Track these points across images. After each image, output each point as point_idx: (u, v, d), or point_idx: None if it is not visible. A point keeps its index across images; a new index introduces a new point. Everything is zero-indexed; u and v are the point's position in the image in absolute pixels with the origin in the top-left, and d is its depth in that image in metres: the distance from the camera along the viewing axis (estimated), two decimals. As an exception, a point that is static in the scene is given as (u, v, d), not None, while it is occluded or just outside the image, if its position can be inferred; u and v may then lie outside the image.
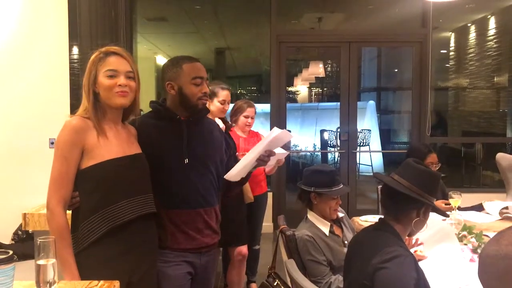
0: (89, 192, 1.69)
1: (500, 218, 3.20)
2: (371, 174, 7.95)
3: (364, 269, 1.68)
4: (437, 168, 3.28)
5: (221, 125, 3.06)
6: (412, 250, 2.10)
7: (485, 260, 0.93)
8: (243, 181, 2.14)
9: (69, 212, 1.73)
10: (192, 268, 2.00)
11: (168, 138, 1.98)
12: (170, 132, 1.99)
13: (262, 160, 2.01)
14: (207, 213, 2.01)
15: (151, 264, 1.84)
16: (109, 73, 1.75)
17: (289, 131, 2.12)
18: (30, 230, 2.72)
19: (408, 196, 1.74)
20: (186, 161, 1.96)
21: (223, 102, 3.17)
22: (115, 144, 1.74)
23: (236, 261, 3.31)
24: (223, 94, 3.18)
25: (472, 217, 3.17)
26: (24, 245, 3.57)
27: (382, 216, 1.86)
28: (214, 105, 3.15)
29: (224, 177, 2.03)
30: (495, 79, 7.56)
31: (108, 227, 1.67)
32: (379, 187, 2.50)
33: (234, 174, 2.01)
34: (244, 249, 3.30)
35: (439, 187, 3.44)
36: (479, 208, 3.35)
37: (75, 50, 4.54)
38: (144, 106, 2.23)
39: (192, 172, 1.97)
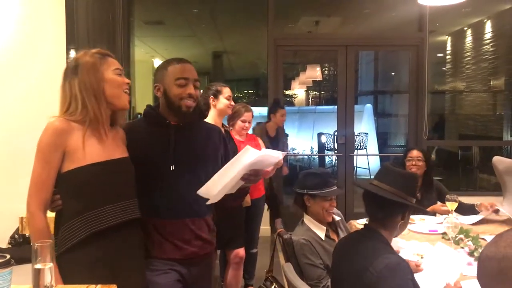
0: (70, 196, 1.67)
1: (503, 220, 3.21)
2: (369, 177, 7.97)
3: (360, 279, 1.68)
4: (420, 164, 3.37)
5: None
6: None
7: (484, 262, 0.94)
8: (240, 194, 1.99)
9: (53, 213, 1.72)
10: (181, 277, 1.91)
11: (155, 143, 1.90)
12: (159, 137, 1.90)
13: (248, 179, 1.82)
14: (195, 224, 1.91)
15: (136, 271, 1.78)
16: (118, 71, 1.76)
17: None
18: (27, 234, 2.71)
19: (394, 201, 1.77)
20: (172, 168, 1.86)
21: (228, 98, 3.18)
22: (99, 148, 1.70)
23: (234, 264, 3.31)
24: (227, 90, 3.20)
25: (471, 220, 3.18)
26: (20, 249, 3.56)
27: (366, 222, 1.89)
28: (221, 102, 3.15)
29: (198, 192, 1.78)
30: (491, 83, 7.59)
31: (88, 232, 1.63)
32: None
33: (211, 193, 1.78)
34: (241, 251, 3.30)
35: (440, 188, 3.50)
36: (472, 209, 3.35)
37: (73, 53, 4.54)
38: (142, 110, 2.22)
39: (178, 180, 1.87)
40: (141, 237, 1.82)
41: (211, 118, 3.07)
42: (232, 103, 3.21)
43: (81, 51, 1.79)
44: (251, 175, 1.80)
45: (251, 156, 1.72)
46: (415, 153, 3.41)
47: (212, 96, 3.13)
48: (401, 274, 1.65)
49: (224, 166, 1.76)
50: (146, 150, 1.88)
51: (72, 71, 1.74)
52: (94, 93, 1.70)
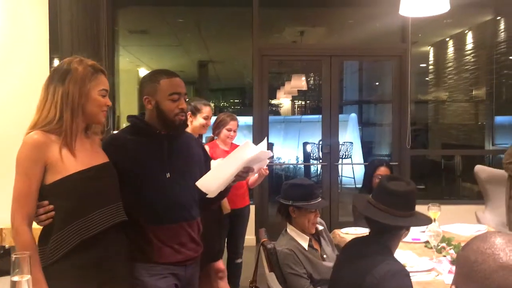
0: (59, 206, 1.67)
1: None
2: (353, 186, 8.01)
3: (361, 281, 1.71)
4: None
5: None
6: None
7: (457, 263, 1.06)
8: (223, 194, 2.11)
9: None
10: (177, 281, 1.99)
11: (149, 154, 1.95)
12: (151, 147, 1.96)
13: (240, 176, 1.99)
14: (191, 226, 2.00)
15: (124, 274, 1.81)
16: (103, 92, 1.78)
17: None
18: (7, 246, 2.67)
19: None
20: (168, 175, 1.95)
21: (206, 118, 3.21)
22: (80, 156, 1.72)
23: (221, 273, 3.26)
24: (206, 110, 3.23)
25: (453, 228, 3.22)
26: (2, 261, 3.49)
27: (368, 233, 1.92)
28: (197, 121, 3.19)
29: (196, 184, 1.94)
30: (473, 93, 7.72)
31: (78, 240, 1.65)
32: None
33: (210, 187, 1.95)
34: (222, 263, 3.28)
35: None
36: None
37: (56, 62, 4.51)
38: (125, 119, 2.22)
39: (174, 186, 1.96)
40: (126, 241, 1.83)
41: None
42: (209, 123, 3.24)
43: (78, 57, 1.79)
44: (244, 172, 1.96)
45: (252, 150, 1.89)
46: (385, 170, 3.35)
47: (190, 113, 3.14)
48: (402, 280, 1.69)
49: (225, 159, 1.95)
50: (140, 161, 1.93)
51: (61, 76, 1.73)
52: (73, 106, 1.71)
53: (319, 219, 2.54)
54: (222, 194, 2.11)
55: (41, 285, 1.60)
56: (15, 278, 1.29)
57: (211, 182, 1.94)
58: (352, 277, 1.77)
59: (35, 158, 1.64)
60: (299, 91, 9.46)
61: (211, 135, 3.68)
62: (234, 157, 1.94)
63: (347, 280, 1.80)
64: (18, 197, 1.65)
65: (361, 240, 1.95)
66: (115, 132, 2.09)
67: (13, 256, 1.31)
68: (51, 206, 1.67)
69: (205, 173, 2.08)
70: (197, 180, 2.00)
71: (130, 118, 2.03)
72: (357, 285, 1.71)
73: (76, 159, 1.70)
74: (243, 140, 5.70)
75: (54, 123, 1.69)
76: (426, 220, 1.93)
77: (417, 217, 1.85)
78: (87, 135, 1.83)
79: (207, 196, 1.99)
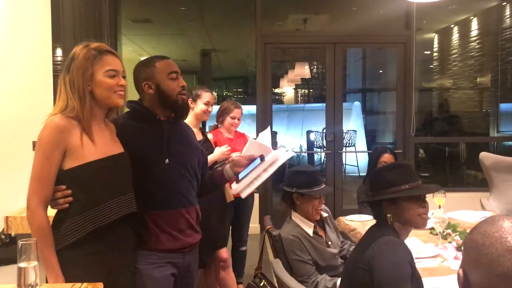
0: (74, 193, 1.67)
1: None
2: (357, 174, 8.01)
3: (361, 255, 1.76)
4: None
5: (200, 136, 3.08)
6: None
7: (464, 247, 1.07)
8: (223, 182, 2.22)
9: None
10: (175, 269, 1.99)
11: (148, 139, 1.96)
12: (150, 133, 1.97)
13: None
14: (189, 213, 2.01)
15: (129, 263, 1.83)
16: (111, 73, 1.74)
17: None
18: (13, 234, 2.69)
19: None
20: (167, 161, 1.95)
21: (207, 104, 3.17)
22: (99, 144, 1.72)
23: (221, 266, 3.27)
24: (206, 95, 3.19)
25: (458, 215, 3.22)
26: (7, 249, 3.51)
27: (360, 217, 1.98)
28: (198, 107, 3.15)
29: (232, 190, 2.18)
30: (478, 80, 7.66)
31: (91, 228, 1.65)
32: None
33: (246, 191, 2.13)
34: (226, 251, 3.29)
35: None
36: None
37: (59, 52, 4.49)
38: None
39: (173, 172, 1.97)
40: (133, 233, 1.84)
41: (189, 120, 3.04)
42: (210, 109, 3.20)
43: (82, 44, 1.77)
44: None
45: (285, 155, 2.16)
46: (388, 157, 3.37)
47: (191, 99, 3.13)
48: (399, 252, 1.71)
49: (262, 166, 2.11)
50: (140, 147, 1.93)
51: (67, 65, 1.74)
52: (79, 94, 1.70)
53: (323, 206, 2.54)
54: (222, 183, 2.19)
55: (54, 268, 1.61)
56: (22, 265, 1.29)
57: (247, 188, 2.12)
58: (356, 254, 1.82)
59: (56, 142, 1.64)
60: (302, 79, 9.42)
61: (215, 123, 3.68)
62: (269, 163, 2.13)
63: (353, 258, 1.84)
64: (36, 180, 1.64)
65: (373, 227, 1.97)
66: (115, 118, 2.07)
67: (20, 243, 1.31)
68: (69, 191, 1.67)
69: (201, 161, 2.18)
70: (194, 168, 2.05)
71: (129, 103, 2.01)
72: (359, 260, 1.75)
73: (96, 147, 1.70)
74: (247, 128, 5.68)
75: (75, 111, 1.68)
76: (417, 190, 1.77)
77: (409, 189, 1.79)
78: (106, 122, 1.82)
79: (207, 183, 2.16)
